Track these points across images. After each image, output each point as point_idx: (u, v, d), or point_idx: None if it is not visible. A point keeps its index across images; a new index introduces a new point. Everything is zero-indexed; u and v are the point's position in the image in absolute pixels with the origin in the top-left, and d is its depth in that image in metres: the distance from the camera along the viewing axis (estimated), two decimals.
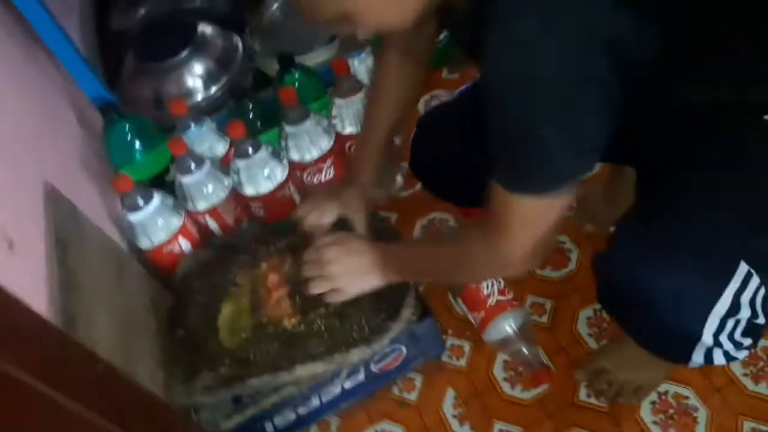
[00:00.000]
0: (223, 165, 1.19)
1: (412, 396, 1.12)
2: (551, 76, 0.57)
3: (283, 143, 1.20)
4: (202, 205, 1.14)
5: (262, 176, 1.14)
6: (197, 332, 1.03)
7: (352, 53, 1.32)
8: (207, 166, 1.13)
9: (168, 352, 1.02)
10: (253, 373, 0.95)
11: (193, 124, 1.20)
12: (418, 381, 1.13)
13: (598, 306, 1.12)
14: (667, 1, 0.62)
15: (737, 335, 0.72)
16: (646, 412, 0.99)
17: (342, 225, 1.03)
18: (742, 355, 0.76)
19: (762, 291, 0.68)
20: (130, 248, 1.13)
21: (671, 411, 0.98)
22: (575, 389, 1.05)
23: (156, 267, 1.15)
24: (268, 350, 0.97)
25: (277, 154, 1.16)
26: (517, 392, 1.07)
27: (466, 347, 1.15)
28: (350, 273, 0.95)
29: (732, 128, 0.70)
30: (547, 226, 0.71)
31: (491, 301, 1.08)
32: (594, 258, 0.76)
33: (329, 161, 1.21)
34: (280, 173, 1.15)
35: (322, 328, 0.98)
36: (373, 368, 1.05)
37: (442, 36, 1.55)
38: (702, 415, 0.97)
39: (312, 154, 1.18)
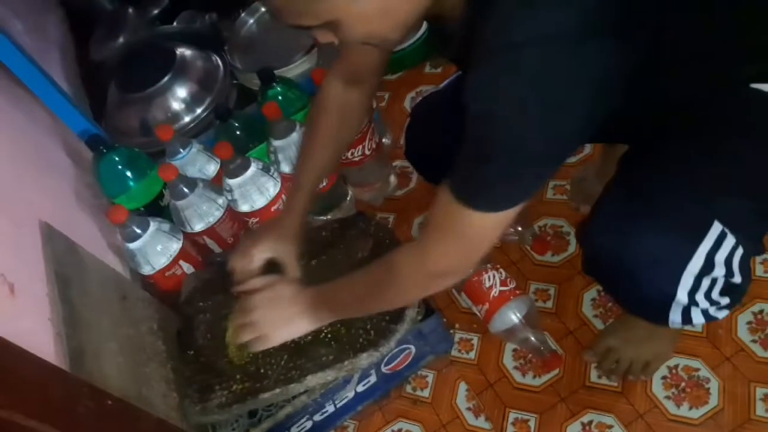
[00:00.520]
0: (216, 184, 1.20)
1: (426, 393, 1.13)
2: (539, 103, 0.56)
3: (272, 157, 1.21)
4: (198, 226, 1.15)
5: (256, 192, 1.14)
6: (207, 351, 1.04)
7: (332, 62, 1.32)
8: (200, 188, 1.14)
9: (180, 373, 1.03)
10: (265, 387, 0.96)
11: (181, 149, 1.21)
12: (430, 378, 1.14)
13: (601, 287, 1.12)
14: (648, 19, 0.60)
15: (714, 294, 0.74)
16: (658, 388, 1.00)
17: (275, 267, 1.00)
18: (721, 314, 0.77)
19: (739, 250, 0.69)
20: (133, 275, 1.15)
21: (683, 384, 0.99)
22: (586, 371, 1.05)
23: (160, 291, 1.16)
24: (277, 363, 0.98)
25: (267, 169, 1.16)
26: (529, 380, 1.08)
27: (475, 340, 1.16)
28: (274, 320, 0.93)
29: (723, 100, 0.71)
30: (490, 242, 0.69)
31: (494, 292, 1.09)
32: (578, 229, 0.78)
33: None
34: (272, 187, 1.16)
35: (329, 336, 0.99)
36: (384, 369, 1.06)
37: (421, 32, 1.56)
38: (714, 385, 0.97)
39: None
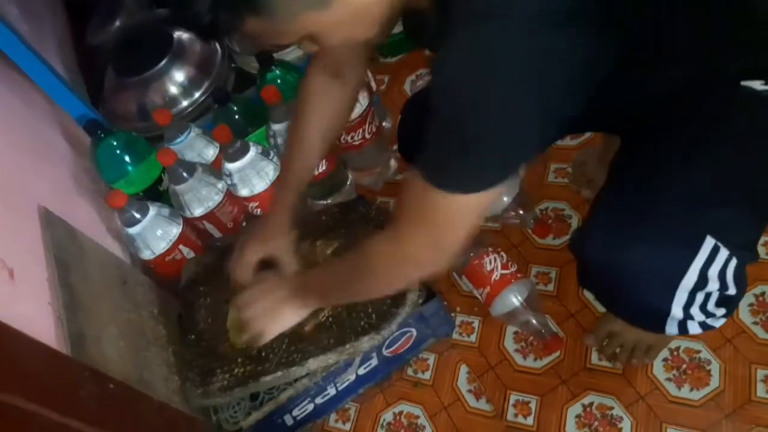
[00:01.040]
0: (215, 169, 1.19)
1: (427, 375, 1.13)
2: (503, 81, 0.54)
3: (272, 141, 1.20)
4: (198, 211, 1.15)
5: (255, 176, 1.14)
6: (208, 335, 1.04)
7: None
8: (199, 172, 1.13)
9: (181, 357, 1.04)
10: (267, 370, 0.96)
11: (179, 133, 1.20)
12: (431, 360, 1.14)
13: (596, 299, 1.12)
14: (638, 12, 0.59)
15: (710, 306, 0.73)
16: (659, 370, 1.00)
17: (272, 265, 1.00)
18: (718, 323, 0.77)
19: (733, 262, 0.68)
20: (133, 261, 1.14)
21: (684, 366, 0.99)
22: (587, 354, 1.05)
23: (160, 276, 1.16)
24: (279, 346, 0.98)
25: (267, 153, 1.16)
26: (530, 362, 1.08)
27: (476, 323, 1.16)
28: (265, 313, 0.92)
29: (711, 98, 0.69)
30: (464, 228, 0.65)
31: (495, 275, 1.09)
32: (570, 238, 0.77)
33: None
34: (272, 171, 1.15)
35: (330, 320, 0.99)
36: (385, 352, 1.06)
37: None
38: (715, 367, 0.97)
39: None
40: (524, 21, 0.51)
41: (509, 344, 1.11)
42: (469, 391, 1.09)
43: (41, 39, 1.43)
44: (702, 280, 0.68)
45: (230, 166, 1.12)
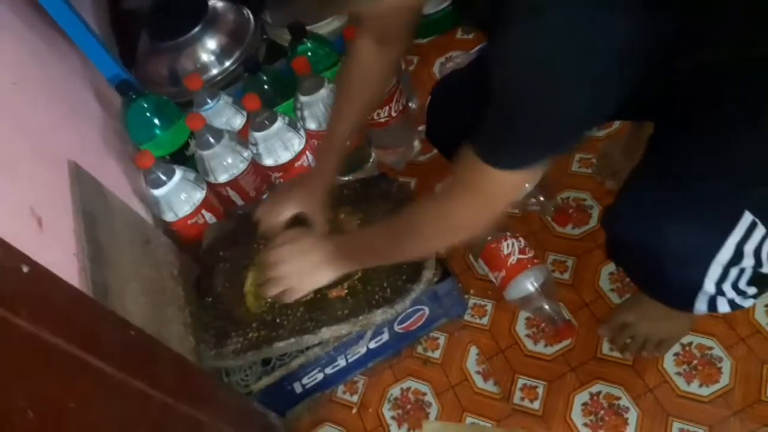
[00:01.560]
0: (242, 137, 1.20)
1: (436, 354, 1.14)
2: (564, 67, 0.56)
3: (299, 113, 1.21)
4: (222, 178, 1.16)
5: (281, 147, 1.15)
6: (225, 299, 1.06)
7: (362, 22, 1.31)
8: (225, 139, 1.15)
9: (198, 318, 1.06)
10: (281, 336, 0.98)
11: (209, 99, 1.22)
12: (442, 340, 1.15)
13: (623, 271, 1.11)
14: None
15: (741, 284, 0.73)
16: (669, 363, 1.00)
17: (301, 222, 1.01)
18: (747, 303, 0.77)
19: None
20: (156, 221, 1.17)
21: (695, 362, 0.99)
22: (598, 343, 1.05)
23: (182, 239, 1.18)
24: (293, 314, 1.00)
25: (293, 125, 1.17)
26: (540, 348, 1.09)
27: (488, 306, 1.17)
28: (300, 271, 0.93)
29: (751, 80, 0.69)
30: (508, 200, 0.73)
31: (512, 260, 1.09)
32: (602, 213, 0.78)
33: None
34: (297, 143, 1.16)
35: (346, 291, 1.00)
36: (397, 328, 1.07)
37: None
38: (726, 364, 0.97)
39: None
40: (583, 12, 0.53)
41: (521, 329, 1.12)
42: (478, 372, 1.10)
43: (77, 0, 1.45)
44: (738, 256, 0.69)
45: (257, 135, 1.14)
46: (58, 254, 0.79)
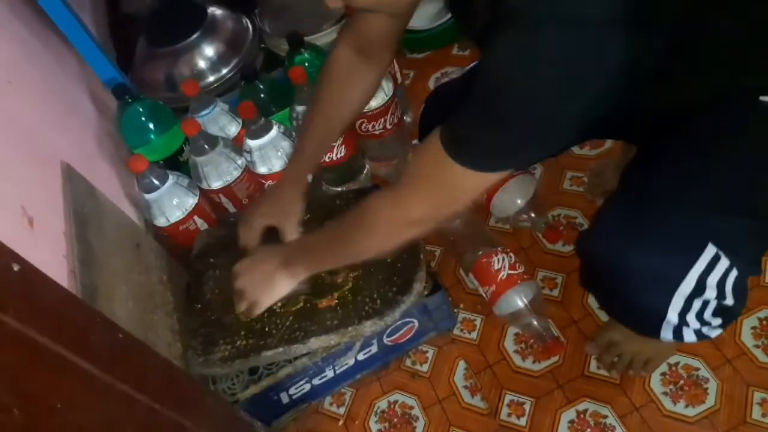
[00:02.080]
0: (236, 145, 1.21)
1: (425, 368, 1.14)
2: (550, 81, 0.56)
3: (294, 123, 1.21)
4: (216, 184, 1.16)
5: (275, 155, 1.15)
6: (214, 306, 1.05)
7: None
8: (220, 146, 1.15)
9: (186, 325, 1.05)
10: (269, 345, 0.97)
11: (205, 106, 1.22)
12: (430, 354, 1.15)
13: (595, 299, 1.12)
14: (669, 12, 0.60)
15: (707, 315, 0.74)
16: (656, 383, 1.00)
17: (275, 235, 1.00)
18: (714, 333, 0.78)
19: (733, 273, 0.69)
20: (147, 226, 1.16)
21: (681, 382, 0.99)
22: (586, 361, 1.06)
23: (172, 244, 1.18)
24: (283, 323, 0.99)
25: (288, 134, 1.17)
26: (528, 364, 1.09)
27: (478, 321, 1.17)
28: (256, 284, 0.93)
29: (729, 110, 0.69)
30: (465, 201, 0.70)
31: (502, 275, 1.09)
32: (578, 237, 0.78)
33: (340, 139, 1.22)
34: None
35: (336, 301, 1.00)
36: (386, 340, 1.07)
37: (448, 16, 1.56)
38: (712, 385, 0.97)
39: None
40: (579, 29, 0.53)
41: (509, 345, 1.12)
42: (465, 387, 1.10)
43: (76, 2, 1.45)
44: (700, 288, 0.69)
45: (251, 143, 1.14)
46: (48, 255, 0.79)
